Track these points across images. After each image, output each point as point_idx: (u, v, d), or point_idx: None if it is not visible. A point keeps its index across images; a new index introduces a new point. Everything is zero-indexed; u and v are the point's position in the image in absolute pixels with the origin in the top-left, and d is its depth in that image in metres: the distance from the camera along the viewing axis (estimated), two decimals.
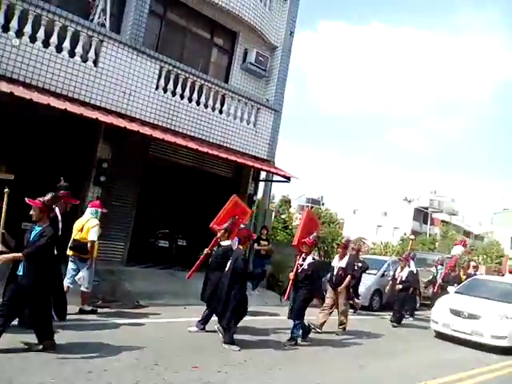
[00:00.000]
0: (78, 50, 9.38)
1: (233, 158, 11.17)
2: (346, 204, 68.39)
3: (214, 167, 12.73)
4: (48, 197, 5.12)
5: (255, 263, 11.77)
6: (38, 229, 4.95)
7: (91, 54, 9.56)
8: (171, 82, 10.86)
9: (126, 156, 10.58)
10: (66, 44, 9.20)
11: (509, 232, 58.94)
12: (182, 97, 11.05)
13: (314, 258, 7.40)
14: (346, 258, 8.91)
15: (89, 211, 7.38)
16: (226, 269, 6.58)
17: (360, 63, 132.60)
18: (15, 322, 4.92)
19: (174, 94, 10.93)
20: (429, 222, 62.43)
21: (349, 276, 8.75)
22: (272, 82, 14.03)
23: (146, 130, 9.61)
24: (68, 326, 5.93)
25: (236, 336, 6.53)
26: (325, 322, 8.46)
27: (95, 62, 9.65)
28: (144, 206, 12.02)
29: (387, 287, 11.18)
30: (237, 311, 6.40)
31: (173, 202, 14.04)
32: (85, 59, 9.49)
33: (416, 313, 12.48)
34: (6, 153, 8.91)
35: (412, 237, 15.63)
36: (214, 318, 6.74)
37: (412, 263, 11.01)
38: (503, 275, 14.66)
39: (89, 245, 6.98)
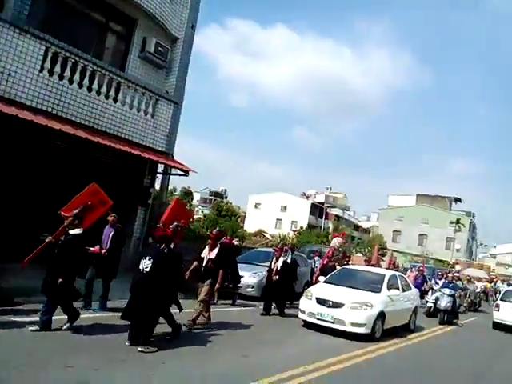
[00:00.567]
0: None
1: (127, 148, 10.79)
2: (249, 198, 69.99)
3: (108, 158, 12.14)
4: None
5: None
6: None
7: None
8: (58, 65, 10.13)
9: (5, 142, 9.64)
10: None
11: (391, 227, 65.18)
12: (71, 81, 10.37)
13: (165, 249, 6.58)
14: (217, 250, 8.21)
15: None
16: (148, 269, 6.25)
17: (269, 61, 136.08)
18: None
19: (61, 77, 10.21)
20: (323, 217, 66.51)
21: (221, 270, 7.98)
22: (172, 74, 13.79)
23: (26, 115, 8.84)
24: None
25: (120, 334, 6.37)
26: (198, 316, 7.84)
27: None
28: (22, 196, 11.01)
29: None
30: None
31: (53, 192, 13.04)
32: None
33: (295, 302, 12.19)
34: None
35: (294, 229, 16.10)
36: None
37: (289, 254, 11.15)
38: (373, 265, 15.55)
39: None
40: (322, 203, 70.68)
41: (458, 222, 59.34)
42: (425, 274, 18.07)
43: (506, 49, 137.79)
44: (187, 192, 39.99)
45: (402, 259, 40.85)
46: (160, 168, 13.86)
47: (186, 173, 12.92)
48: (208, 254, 8.13)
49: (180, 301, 7.42)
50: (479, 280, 23.91)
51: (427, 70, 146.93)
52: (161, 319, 6.69)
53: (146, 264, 6.28)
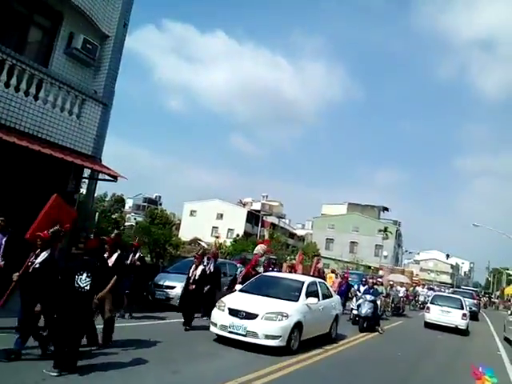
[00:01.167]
0: None
1: (47, 151, 9.96)
2: (184, 205, 68.83)
3: (26, 160, 11.15)
4: None
5: None
6: None
7: None
8: None
9: None
10: None
11: (325, 234, 67.16)
12: None
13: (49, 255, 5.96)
14: (115, 257, 7.73)
15: None
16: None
17: (207, 67, 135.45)
18: None
19: None
20: (260, 225, 66.98)
21: (115, 277, 7.05)
22: (102, 73, 13.03)
23: None
24: None
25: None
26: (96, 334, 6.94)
27: None
28: None
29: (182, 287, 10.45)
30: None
31: None
32: None
33: None
34: None
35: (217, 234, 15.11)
36: None
37: (211, 262, 10.89)
38: (296, 271, 15.50)
39: None
40: (259, 211, 71.19)
41: (385, 230, 62.48)
42: (349, 280, 18.39)
43: (425, 69, 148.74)
44: (118, 200, 38.21)
45: (334, 266, 42.07)
46: (87, 173, 13.02)
47: (115, 178, 12.22)
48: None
49: None
50: (402, 285, 24.95)
51: (358, 84, 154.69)
52: None
53: (84, 281, 5.71)
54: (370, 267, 50.00)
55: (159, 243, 24.62)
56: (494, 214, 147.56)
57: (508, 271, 69.63)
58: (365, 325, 13.08)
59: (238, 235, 54.36)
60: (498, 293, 68.56)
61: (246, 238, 51.05)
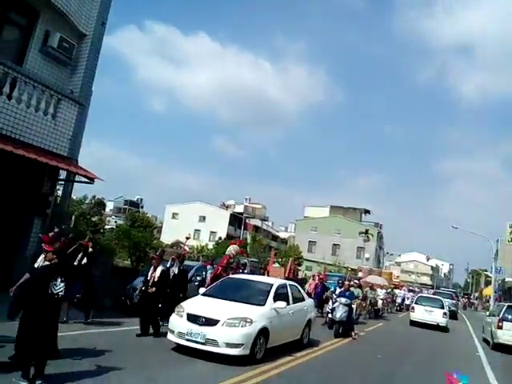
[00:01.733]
0: None
1: (20, 151, 9.65)
2: (166, 208, 68.23)
3: None
4: None
5: None
6: None
7: None
8: None
9: None
10: None
11: (307, 237, 67.31)
12: None
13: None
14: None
15: None
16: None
17: (190, 69, 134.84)
18: None
19: None
20: (242, 227, 66.76)
21: None
22: (79, 73, 12.76)
23: None
24: None
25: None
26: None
27: None
28: None
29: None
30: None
31: None
32: None
33: None
34: None
35: (188, 235, 13.66)
36: None
37: (176, 264, 10.41)
38: (268, 272, 15.24)
39: None
40: (241, 214, 70.96)
41: (367, 232, 63.02)
42: (329, 282, 18.21)
43: (406, 72, 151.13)
44: (98, 202, 37.55)
45: (317, 268, 42.16)
46: (63, 174, 12.69)
47: (91, 180, 11.94)
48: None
49: None
50: (382, 287, 24.93)
51: (340, 88, 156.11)
52: None
53: (59, 287, 5.48)
54: (353, 269, 50.29)
55: (139, 246, 24.26)
56: (472, 216, 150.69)
57: (486, 273, 71.00)
58: (340, 330, 12.35)
59: (220, 238, 54.10)
60: (476, 294, 69.86)
61: (229, 241, 50.86)
